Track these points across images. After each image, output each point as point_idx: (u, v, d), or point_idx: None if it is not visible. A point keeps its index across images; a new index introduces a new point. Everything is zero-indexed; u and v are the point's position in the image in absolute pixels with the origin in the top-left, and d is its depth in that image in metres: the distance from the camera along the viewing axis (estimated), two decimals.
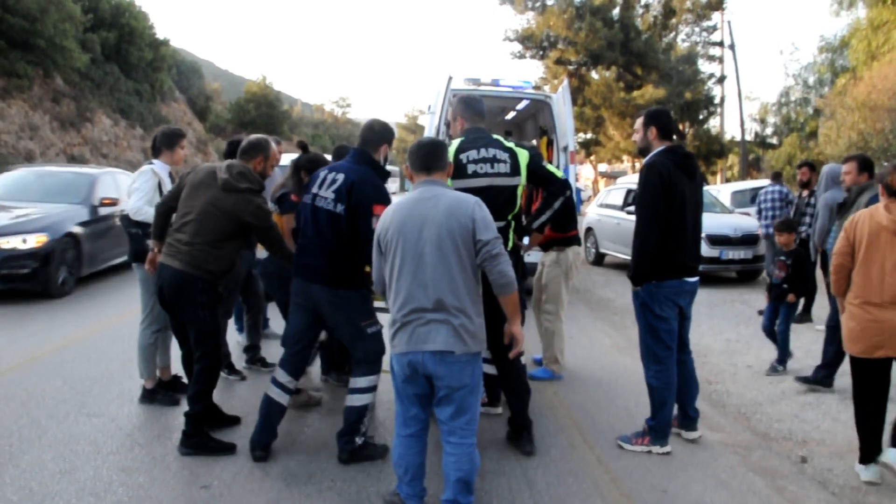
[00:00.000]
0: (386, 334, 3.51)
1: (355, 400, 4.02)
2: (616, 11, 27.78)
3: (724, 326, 8.15)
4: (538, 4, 27.61)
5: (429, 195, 3.23)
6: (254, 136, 4.47)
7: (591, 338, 7.54)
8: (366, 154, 4.05)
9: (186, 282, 4.10)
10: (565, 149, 8.91)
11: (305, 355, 4.29)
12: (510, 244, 4.18)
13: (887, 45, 18.15)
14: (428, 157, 3.31)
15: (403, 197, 3.30)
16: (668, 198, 4.04)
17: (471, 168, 4.04)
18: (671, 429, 4.43)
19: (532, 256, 6.40)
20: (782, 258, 6.35)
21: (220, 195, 4.09)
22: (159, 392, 5.08)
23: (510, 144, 4.18)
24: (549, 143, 9.87)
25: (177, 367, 5.27)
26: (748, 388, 5.83)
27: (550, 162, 9.17)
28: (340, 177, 3.90)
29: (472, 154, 4.06)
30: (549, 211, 4.42)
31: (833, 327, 6.30)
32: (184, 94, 41.42)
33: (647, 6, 29.27)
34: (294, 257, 4.16)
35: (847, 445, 4.54)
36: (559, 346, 5.86)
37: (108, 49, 29.90)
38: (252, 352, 6.03)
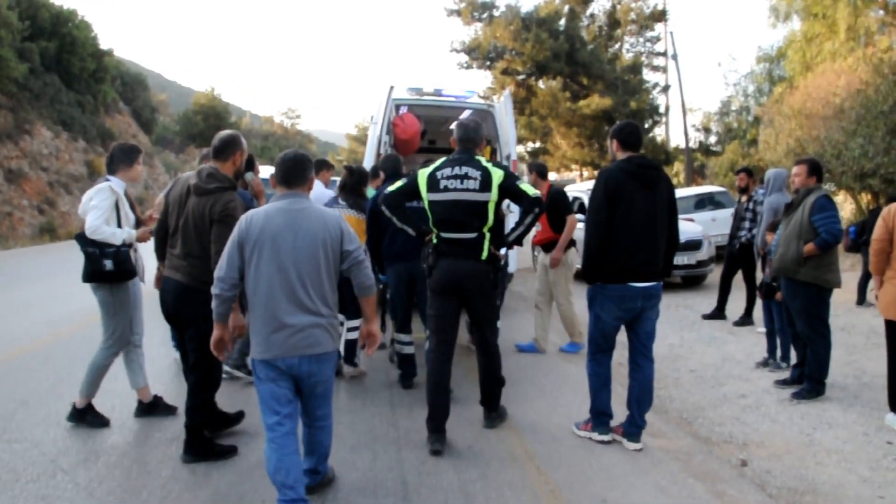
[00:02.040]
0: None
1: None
2: (562, 23, 28.11)
3: (668, 331, 8.21)
4: (485, 16, 27.75)
5: (298, 207, 3.45)
6: (224, 134, 4.37)
7: None
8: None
9: (188, 294, 4.16)
10: (508, 157, 8.91)
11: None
12: (485, 254, 4.52)
13: (820, 56, 18.73)
14: (289, 172, 3.53)
15: (271, 204, 3.48)
16: (612, 204, 4.29)
17: (442, 183, 4.51)
18: (608, 419, 4.62)
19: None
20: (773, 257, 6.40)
21: (194, 201, 4.12)
22: (89, 413, 4.88)
23: (486, 164, 4.52)
24: (493, 152, 9.87)
25: (156, 389, 5.26)
26: (691, 394, 5.87)
27: None
28: None
29: (447, 171, 4.53)
30: (521, 227, 4.61)
31: (778, 330, 6.41)
32: (128, 105, 40.56)
33: (592, 17, 29.71)
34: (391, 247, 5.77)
35: (785, 446, 4.60)
36: (578, 323, 7.17)
37: (48, 59, 29.09)
38: (241, 357, 5.87)
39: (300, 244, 3.35)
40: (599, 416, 4.60)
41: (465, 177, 4.46)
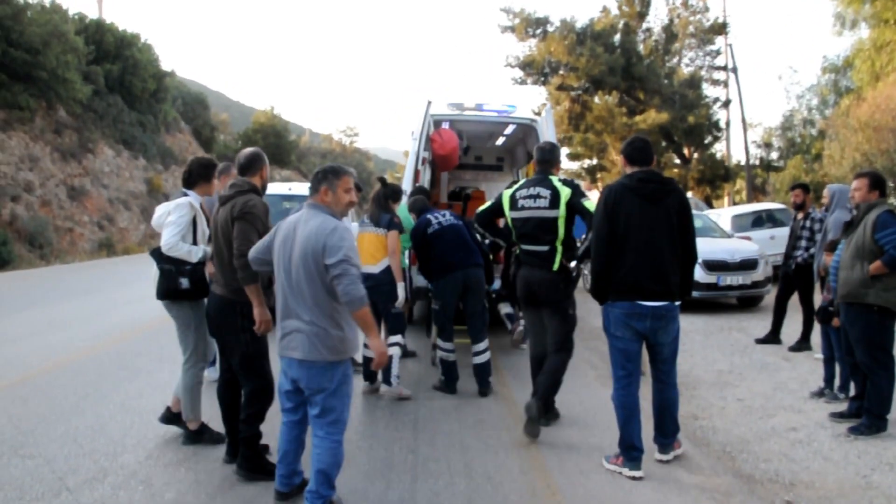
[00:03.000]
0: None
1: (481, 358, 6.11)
2: (617, 37, 27.62)
3: (718, 356, 7.76)
4: (539, 31, 27.49)
5: (306, 217, 3.60)
6: (248, 151, 4.40)
7: (574, 369, 7.12)
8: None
9: (226, 306, 4.17)
10: None
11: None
12: (556, 265, 4.98)
13: (891, 65, 17.83)
14: (312, 182, 3.72)
15: (296, 214, 3.68)
16: (611, 221, 4.26)
17: (520, 203, 5.12)
18: (639, 453, 4.32)
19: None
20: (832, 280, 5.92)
21: (220, 212, 4.20)
22: (206, 432, 4.84)
23: (557, 184, 5.00)
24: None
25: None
26: (736, 425, 5.43)
27: None
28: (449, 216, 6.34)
29: (523, 192, 5.13)
30: (585, 243, 4.89)
31: (838, 358, 5.91)
32: (189, 124, 41.64)
33: (648, 31, 29.10)
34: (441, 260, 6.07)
35: (837, 489, 4.16)
36: None
37: (112, 80, 30.14)
38: None
39: (294, 253, 3.52)
40: (629, 451, 4.29)
41: (538, 196, 5.01)
